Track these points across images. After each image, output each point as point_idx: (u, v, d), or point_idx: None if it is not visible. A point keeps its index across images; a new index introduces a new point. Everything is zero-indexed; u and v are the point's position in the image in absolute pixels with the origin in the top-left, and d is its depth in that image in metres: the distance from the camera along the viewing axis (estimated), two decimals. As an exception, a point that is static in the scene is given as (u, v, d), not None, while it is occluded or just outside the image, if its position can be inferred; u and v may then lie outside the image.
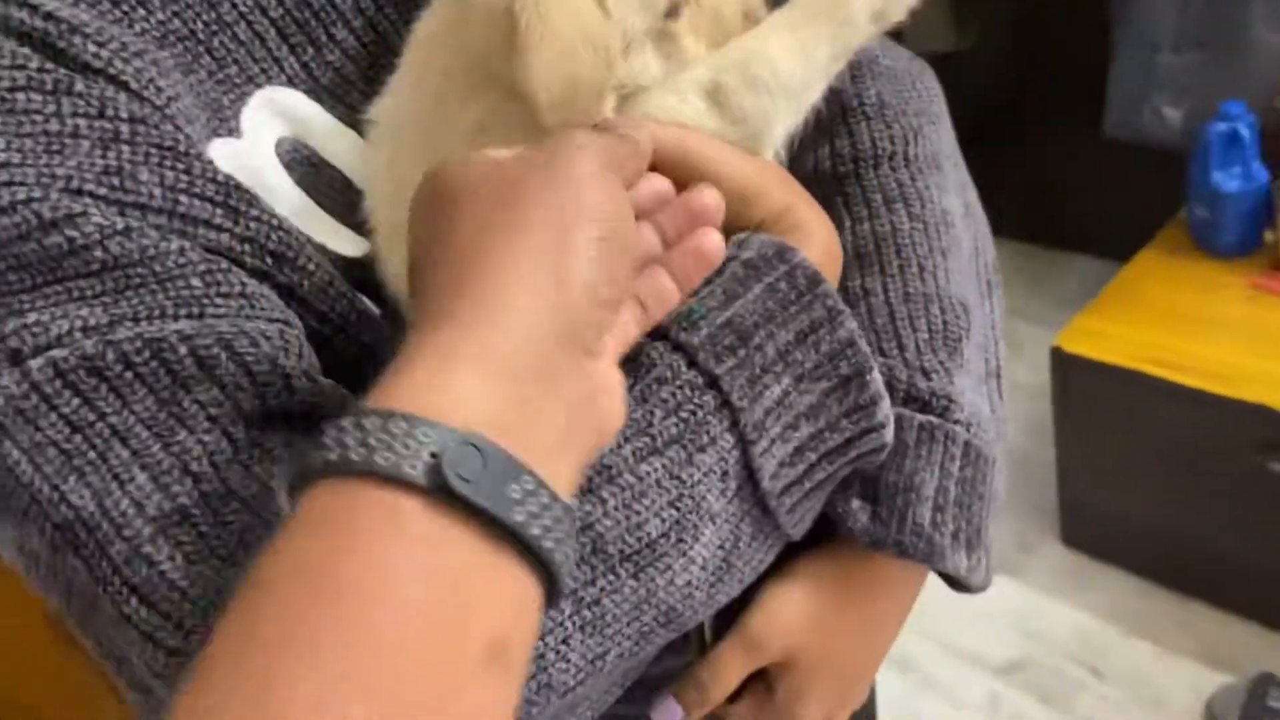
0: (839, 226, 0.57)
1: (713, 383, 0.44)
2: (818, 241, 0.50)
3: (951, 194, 0.59)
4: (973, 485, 0.52)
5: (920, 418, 0.51)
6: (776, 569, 0.52)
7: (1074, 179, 2.43)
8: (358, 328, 0.46)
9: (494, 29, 0.44)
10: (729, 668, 0.53)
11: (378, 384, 0.33)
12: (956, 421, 0.52)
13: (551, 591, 0.33)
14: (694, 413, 0.43)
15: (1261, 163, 1.76)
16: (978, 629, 1.98)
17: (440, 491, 0.30)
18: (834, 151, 0.59)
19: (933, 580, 1.88)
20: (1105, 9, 2.10)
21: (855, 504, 0.50)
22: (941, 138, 0.61)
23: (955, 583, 0.55)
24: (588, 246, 0.36)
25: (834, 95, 0.59)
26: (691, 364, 0.44)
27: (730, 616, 0.52)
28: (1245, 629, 1.85)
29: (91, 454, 0.37)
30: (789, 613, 0.52)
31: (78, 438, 0.37)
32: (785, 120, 0.52)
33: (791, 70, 0.51)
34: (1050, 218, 2.59)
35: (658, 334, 0.45)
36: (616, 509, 0.42)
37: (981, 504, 0.53)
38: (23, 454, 0.37)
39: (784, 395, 0.45)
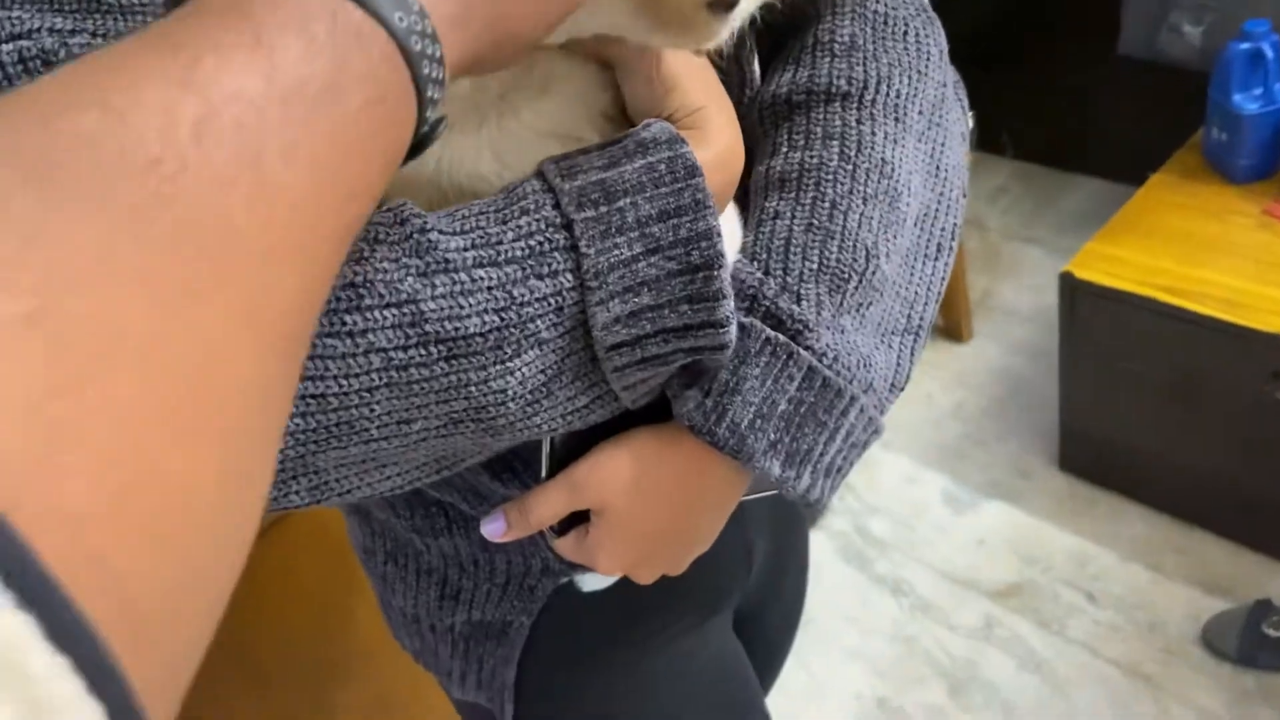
0: (775, 151, 0.61)
1: (568, 226, 0.48)
2: (714, 145, 0.53)
3: (908, 147, 0.61)
4: (811, 410, 0.56)
5: (769, 332, 0.55)
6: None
7: (1084, 98, 2.37)
8: None
9: None
10: (550, 501, 0.60)
11: None
12: (807, 347, 0.55)
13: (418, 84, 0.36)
14: (542, 244, 0.48)
15: (1283, 84, 1.71)
16: (973, 553, 1.99)
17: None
18: (794, 79, 0.62)
19: (926, 505, 1.91)
20: (1124, -80, 2.03)
21: (688, 391, 0.55)
22: (918, 91, 0.62)
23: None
24: None
25: (809, 27, 0.64)
26: (556, 205, 0.48)
27: (567, 463, 0.59)
28: (1244, 556, 1.86)
29: None
30: (610, 468, 0.59)
31: None
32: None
33: None
34: (1057, 137, 2.54)
35: (537, 173, 0.49)
36: (443, 296, 0.46)
37: (820, 431, 0.57)
38: None
39: (632, 259, 0.48)
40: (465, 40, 0.38)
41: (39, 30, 0.47)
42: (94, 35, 0.47)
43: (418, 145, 0.39)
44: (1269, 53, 1.68)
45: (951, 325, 2.40)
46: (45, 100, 0.27)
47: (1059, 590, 1.90)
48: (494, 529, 0.62)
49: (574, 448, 0.59)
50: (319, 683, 1.39)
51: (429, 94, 0.36)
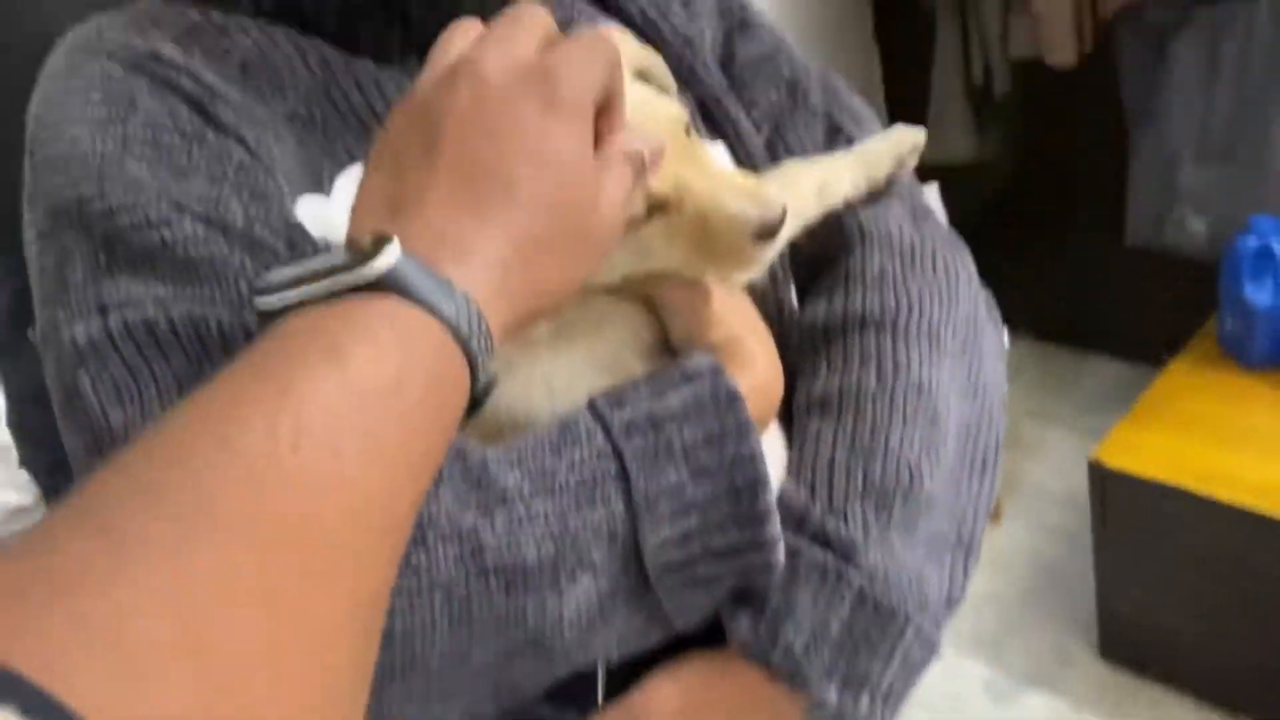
0: (814, 375, 0.64)
1: (618, 454, 0.50)
2: (755, 373, 0.57)
3: (944, 369, 0.63)
4: (865, 634, 0.56)
5: (818, 554, 0.56)
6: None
7: (1099, 281, 2.44)
8: None
9: None
10: None
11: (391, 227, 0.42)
12: (857, 567, 0.56)
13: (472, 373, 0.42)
14: (594, 473, 0.50)
15: (1292, 277, 1.77)
16: (1018, 747, 1.94)
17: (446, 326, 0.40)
18: (829, 308, 0.66)
19: (966, 696, 1.85)
20: (1124, 120, 2.13)
21: (741, 614, 0.55)
22: (950, 315, 0.65)
23: None
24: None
25: (842, 259, 0.68)
26: (607, 435, 0.51)
27: (624, 689, 0.59)
28: (1295, 748, 1.81)
29: (133, 388, 0.49)
30: (664, 695, 0.58)
31: (127, 376, 0.50)
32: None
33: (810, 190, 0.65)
34: (1075, 319, 2.59)
35: (589, 405, 0.52)
36: (501, 528, 0.48)
37: (875, 653, 0.56)
38: (89, 380, 0.50)
39: (680, 484, 0.51)
40: (506, 310, 0.43)
41: (143, 300, 0.51)
42: (193, 301, 0.51)
43: (472, 405, 0.43)
44: (1277, 247, 1.75)
45: (979, 506, 2.39)
46: (171, 439, 0.33)
47: (1108, 786, 1.84)
48: None
49: (630, 672, 0.59)
50: None
51: (480, 366, 0.41)
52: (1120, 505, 1.81)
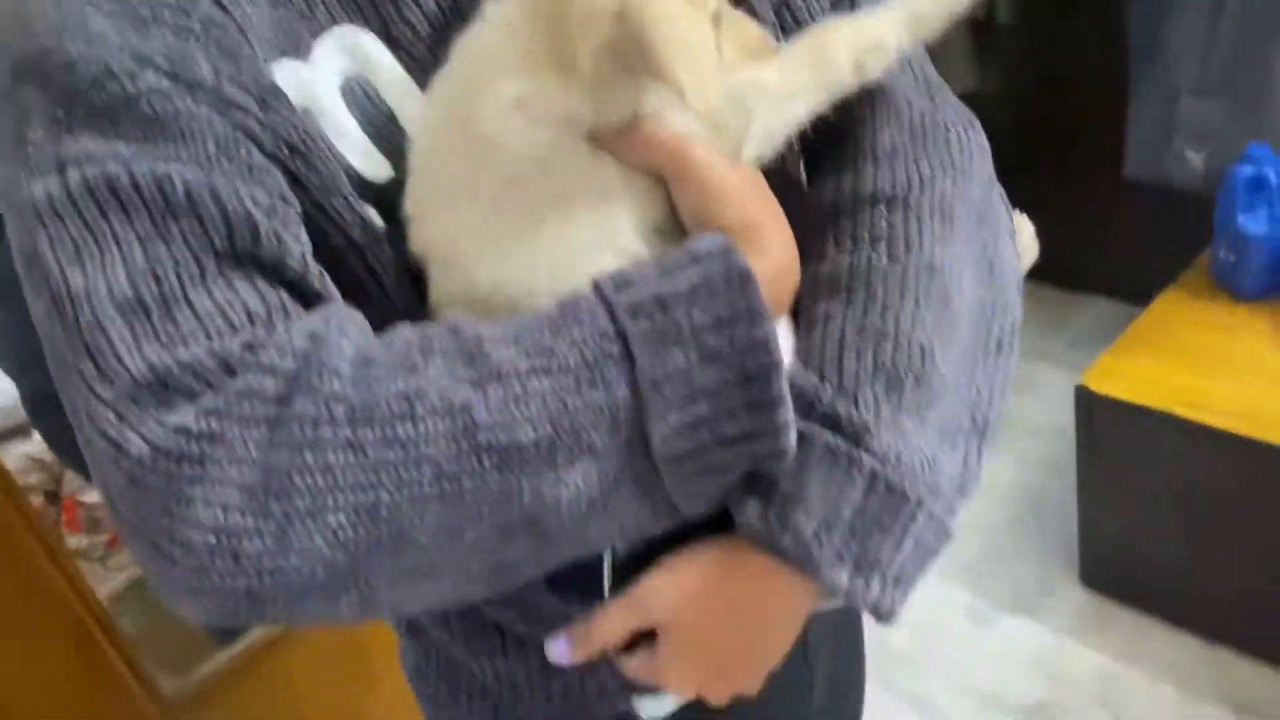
0: (822, 255, 0.61)
1: (622, 336, 0.49)
2: (771, 259, 0.55)
3: (957, 246, 0.60)
4: (876, 518, 0.54)
5: (828, 438, 0.54)
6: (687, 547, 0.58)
7: (1092, 220, 2.43)
8: (354, 230, 0.55)
9: (588, 25, 0.50)
10: (613, 621, 0.59)
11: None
12: (868, 450, 0.54)
13: None
14: (595, 355, 0.48)
15: (1286, 206, 1.77)
16: (997, 670, 1.96)
17: None
18: (838, 186, 0.63)
19: (948, 620, 1.88)
20: (1125, 53, 2.12)
21: (750, 501, 0.54)
22: (963, 190, 0.62)
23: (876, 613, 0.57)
24: None
25: (851, 133, 0.64)
26: (611, 316, 0.49)
27: (630, 578, 0.58)
28: (1271, 673, 1.83)
29: (93, 249, 0.48)
30: (675, 585, 0.57)
31: (87, 235, 0.48)
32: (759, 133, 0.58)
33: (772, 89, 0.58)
34: (1066, 259, 2.59)
35: (592, 286, 0.50)
36: (495, 405, 0.47)
37: (887, 537, 0.55)
38: (48, 241, 0.49)
39: (687, 368, 0.49)
40: None
41: (104, 156, 0.49)
42: (156, 159, 0.49)
43: None
44: (1273, 178, 1.75)
45: (967, 440, 2.41)
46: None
47: (1086, 710, 1.86)
48: (558, 651, 0.60)
49: (636, 562, 0.57)
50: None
51: None
52: (1105, 430, 1.83)
